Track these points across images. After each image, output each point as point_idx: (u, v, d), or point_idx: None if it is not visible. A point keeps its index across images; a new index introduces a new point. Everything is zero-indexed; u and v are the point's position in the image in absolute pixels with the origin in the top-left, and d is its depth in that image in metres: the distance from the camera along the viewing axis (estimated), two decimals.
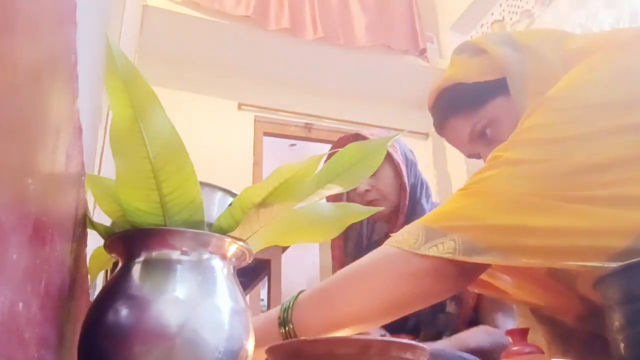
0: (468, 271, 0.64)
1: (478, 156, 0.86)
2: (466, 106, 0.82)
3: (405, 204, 1.18)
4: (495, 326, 1.05)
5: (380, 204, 1.17)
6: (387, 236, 1.24)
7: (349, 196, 1.23)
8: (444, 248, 0.62)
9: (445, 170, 3.60)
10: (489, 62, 0.79)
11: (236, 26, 3.09)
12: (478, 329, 1.04)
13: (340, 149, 0.52)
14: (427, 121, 3.77)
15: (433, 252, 0.62)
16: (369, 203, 1.18)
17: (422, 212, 1.16)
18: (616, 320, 0.47)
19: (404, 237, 0.66)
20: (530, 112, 0.67)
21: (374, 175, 1.18)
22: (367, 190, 1.17)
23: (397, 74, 3.51)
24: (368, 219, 1.29)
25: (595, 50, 0.69)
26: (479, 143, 0.83)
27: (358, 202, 1.19)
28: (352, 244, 1.28)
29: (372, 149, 0.52)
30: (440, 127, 0.89)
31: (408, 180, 1.20)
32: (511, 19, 3.19)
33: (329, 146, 3.45)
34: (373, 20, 3.46)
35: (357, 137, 1.24)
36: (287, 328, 0.68)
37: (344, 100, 3.58)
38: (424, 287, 0.65)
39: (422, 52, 3.46)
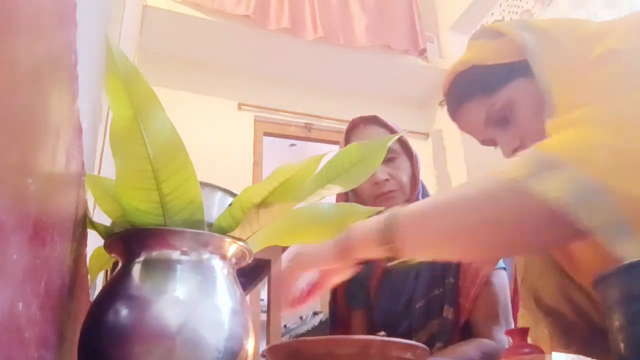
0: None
1: (493, 142, 0.84)
2: (484, 88, 0.80)
3: (413, 199, 1.15)
4: (488, 337, 1.04)
5: (397, 195, 1.14)
6: None
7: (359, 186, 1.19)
8: (558, 184, 0.52)
9: (445, 170, 3.60)
10: (507, 45, 0.77)
11: (236, 26, 3.09)
12: (471, 341, 1.02)
13: (339, 149, 0.52)
14: (427, 121, 3.78)
15: (546, 187, 0.53)
16: (385, 194, 1.13)
17: None
18: (616, 320, 0.47)
19: (514, 166, 0.58)
20: (593, 66, 0.63)
21: (392, 164, 1.15)
22: (386, 180, 1.13)
23: (397, 74, 3.51)
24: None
25: (611, 32, 0.67)
26: (495, 127, 0.81)
27: (369, 191, 1.15)
28: None
29: (372, 149, 0.52)
30: (456, 111, 0.86)
31: (419, 175, 1.19)
32: (511, 19, 3.19)
33: (329, 146, 3.45)
34: (373, 20, 3.46)
35: (374, 119, 1.21)
36: (390, 242, 0.67)
37: (344, 100, 3.58)
38: (530, 227, 0.58)
39: (422, 52, 3.46)
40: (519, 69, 0.76)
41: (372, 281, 1.18)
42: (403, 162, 1.17)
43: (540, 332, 0.78)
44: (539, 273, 0.82)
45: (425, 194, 1.21)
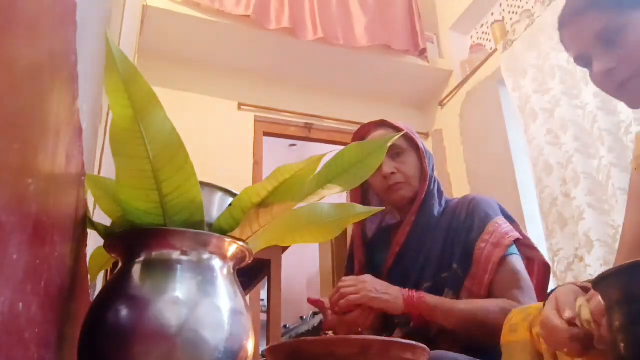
0: None
1: (586, 60, 0.85)
2: (612, 3, 0.82)
3: (423, 191, 1.21)
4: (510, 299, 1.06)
5: (404, 187, 1.21)
6: (399, 225, 1.25)
7: (369, 180, 1.24)
8: None
9: (445, 170, 3.59)
10: None
11: (236, 26, 3.09)
12: (492, 300, 1.06)
13: (346, 146, 0.51)
14: (427, 121, 3.77)
15: None
16: (392, 186, 1.20)
17: (432, 206, 1.21)
18: (616, 320, 0.47)
19: None
20: None
21: (398, 159, 1.22)
22: (392, 173, 1.20)
23: (397, 74, 3.51)
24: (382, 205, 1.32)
25: None
26: (601, 44, 0.83)
27: (379, 184, 1.21)
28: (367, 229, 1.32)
29: (372, 149, 0.52)
30: (571, 16, 0.87)
31: (429, 170, 1.24)
32: (511, 19, 3.18)
33: (329, 146, 3.44)
34: (373, 20, 3.45)
35: (383, 122, 1.27)
36: None
37: (344, 100, 3.58)
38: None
39: (422, 52, 3.45)
40: None
41: (386, 265, 1.23)
42: (409, 157, 1.23)
43: None
44: None
45: (440, 192, 1.26)
